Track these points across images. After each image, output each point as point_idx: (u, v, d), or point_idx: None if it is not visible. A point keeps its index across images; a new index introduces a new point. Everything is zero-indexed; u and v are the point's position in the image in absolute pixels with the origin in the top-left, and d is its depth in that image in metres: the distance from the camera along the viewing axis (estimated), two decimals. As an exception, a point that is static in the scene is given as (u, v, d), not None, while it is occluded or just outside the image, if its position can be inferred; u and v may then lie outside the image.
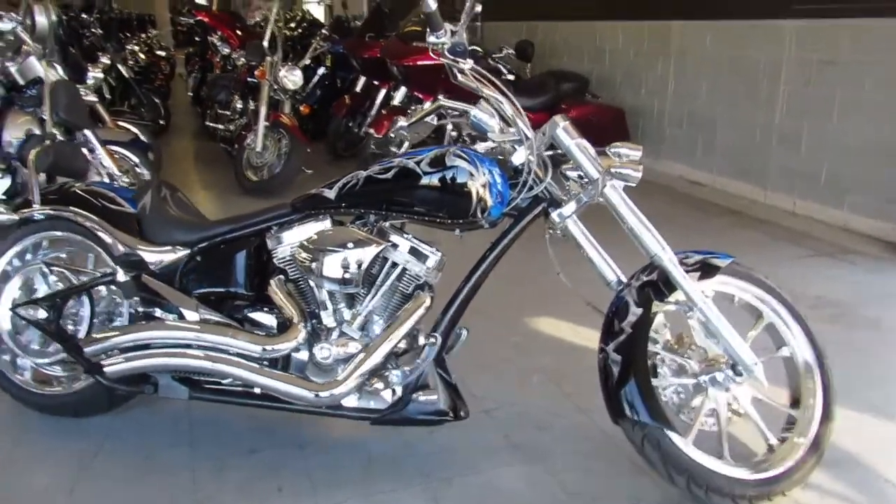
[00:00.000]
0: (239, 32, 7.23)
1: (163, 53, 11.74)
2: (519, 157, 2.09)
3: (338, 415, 2.01)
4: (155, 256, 2.09)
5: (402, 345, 2.05)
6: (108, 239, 2.11)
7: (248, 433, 2.25)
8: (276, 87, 5.34)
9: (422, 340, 2.02)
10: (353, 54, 6.30)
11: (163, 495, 1.98)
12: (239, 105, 5.82)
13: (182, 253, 2.10)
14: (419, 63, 5.40)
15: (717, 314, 1.96)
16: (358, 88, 6.40)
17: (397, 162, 2.04)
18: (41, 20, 3.63)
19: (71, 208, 2.14)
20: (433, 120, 2.33)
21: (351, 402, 1.98)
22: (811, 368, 2.09)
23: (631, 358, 1.94)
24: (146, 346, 1.99)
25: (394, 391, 1.99)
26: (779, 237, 4.31)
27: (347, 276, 1.95)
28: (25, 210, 2.14)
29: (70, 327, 2.15)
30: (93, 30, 6.89)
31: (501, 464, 2.14)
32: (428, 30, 1.97)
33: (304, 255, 1.98)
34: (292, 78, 5.37)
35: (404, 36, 5.57)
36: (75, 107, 2.59)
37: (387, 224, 2.07)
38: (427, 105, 2.25)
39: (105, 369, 1.99)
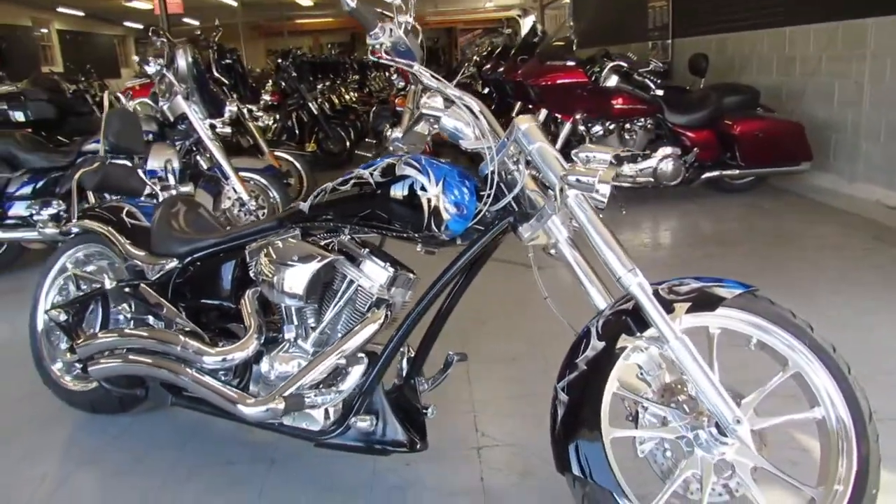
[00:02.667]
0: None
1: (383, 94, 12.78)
2: (488, 166, 1.87)
3: (281, 431, 1.94)
4: (151, 267, 2.22)
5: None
6: (119, 250, 2.29)
7: (234, 444, 2.27)
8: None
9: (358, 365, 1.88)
10: (506, 80, 6.25)
11: (131, 494, 2.06)
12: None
13: (173, 264, 2.20)
14: (554, 82, 5.19)
15: (691, 355, 1.56)
16: (514, 113, 6.33)
17: (355, 173, 1.95)
18: (181, 63, 4.11)
19: (94, 223, 2.36)
20: (425, 130, 2.19)
21: (288, 419, 1.90)
22: (848, 440, 1.59)
23: (581, 401, 1.62)
24: (121, 351, 2.11)
25: (327, 413, 1.87)
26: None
27: (293, 289, 1.90)
28: (64, 225, 2.40)
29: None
30: (287, 72, 7.68)
31: (458, 509, 1.91)
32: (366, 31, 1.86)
33: (262, 268, 1.97)
34: (432, 104, 5.45)
35: (543, 55, 5.40)
36: (127, 133, 2.89)
37: (346, 238, 1.98)
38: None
39: (88, 368, 2.15)
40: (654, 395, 1.72)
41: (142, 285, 2.23)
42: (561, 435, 1.61)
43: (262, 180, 4.58)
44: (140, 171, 3.18)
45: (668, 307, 1.64)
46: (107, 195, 2.79)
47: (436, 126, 2.03)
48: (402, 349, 2.09)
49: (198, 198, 4.47)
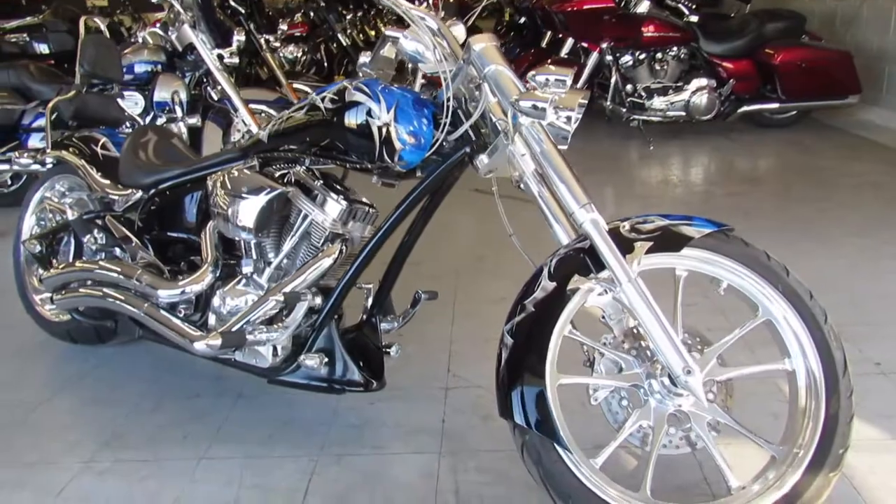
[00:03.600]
0: (452, -4, 7.29)
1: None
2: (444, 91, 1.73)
3: (236, 367, 1.90)
4: (118, 198, 2.18)
5: (317, 301, 1.88)
6: (89, 182, 2.25)
7: (205, 378, 2.25)
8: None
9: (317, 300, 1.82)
10: (535, 7, 5.94)
11: (100, 422, 2.07)
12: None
13: (137, 195, 2.16)
14: (579, 8, 4.89)
15: (643, 299, 1.44)
16: (544, 44, 6.03)
17: (309, 98, 1.84)
18: (185, -11, 3.99)
19: (66, 153, 2.32)
20: (391, 54, 2.04)
21: (240, 355, 1.86)
22: (816, 396, 1.45)
23: (526, 345, 1.52)
24: (82, 283, 2.09)
25: (275, 350, 1.82)
26: None
27: (243, 222, 1.83)
28: (39, 156, 2.37)
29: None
30: (315, 2, 7.50)
31: (412, 449, 1.85)
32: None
33: (216, 199, 1.90)
34: (457, 33, 5.23)
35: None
36: (103, 60, 2.81)
37: (303, 169, 1.89)
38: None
39: (54, 300, 2.14)
40: (615, 340, 1.61)
41: (108, 217, 2.19)
42: (504, 380, 1.51)
43: (273, 112, 4.49)
44: (119, 101, 3.13)
45: (628, 247, 1.51)
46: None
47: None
48: (367, 286, 2.02)
49: (207, 130, 4.42)
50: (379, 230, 1.79)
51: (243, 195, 1.83)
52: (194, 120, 4.03)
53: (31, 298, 2.49)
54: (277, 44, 5.32)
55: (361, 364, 1.86)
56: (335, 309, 1.84)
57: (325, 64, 7.54)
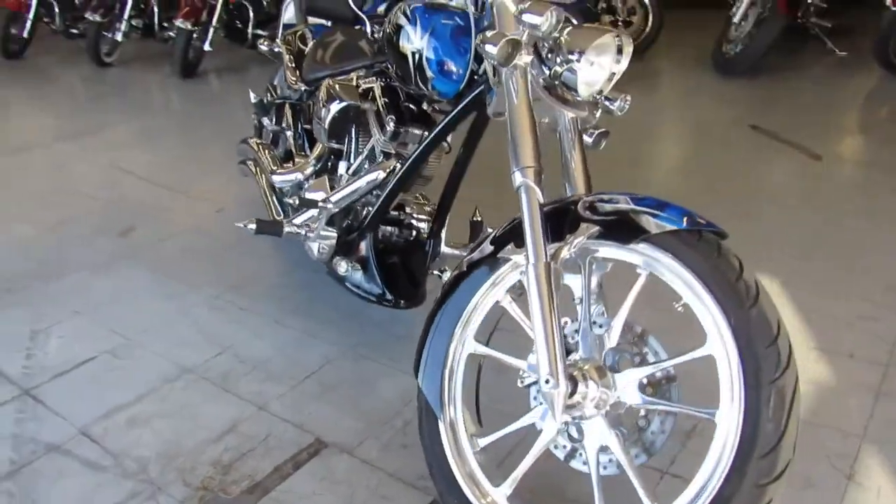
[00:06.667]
0: None
1: None
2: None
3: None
4: (292, 89, 2.53)
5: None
6: (285, 71, 2.65)
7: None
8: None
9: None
10: None
11: (241, 272, 2.54)
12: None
13: (303, 89, 2.47)
14: None
15: (538, 286, 1.25)
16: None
17: (393, 10, 1.87)
18: None
19: (283, 46, 2.73)
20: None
21: (306, 246, 2.09)
22: (719, 461, 1.12)
23: (445, 303, 1.45)
24: (248, 158, 2.54)
25: (320, 248, 2.00)
26: None
27: (322, 127, 2.02)
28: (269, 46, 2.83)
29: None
30: None
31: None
32: None
33: (318, 101, 2.11)
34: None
35: None
36: None
37: (380, 83, 1.96)
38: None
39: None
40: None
41: (287, 105, 2.57)
42: (424, 334, 1.48)
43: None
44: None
45: (573, 226, 1.31)
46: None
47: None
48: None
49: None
50: (410, 156, 1.80)
51: (327, 102, 2.00)
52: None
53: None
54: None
55: (392, 282, 1.95)
56: (375, 223, 1.94)
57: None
